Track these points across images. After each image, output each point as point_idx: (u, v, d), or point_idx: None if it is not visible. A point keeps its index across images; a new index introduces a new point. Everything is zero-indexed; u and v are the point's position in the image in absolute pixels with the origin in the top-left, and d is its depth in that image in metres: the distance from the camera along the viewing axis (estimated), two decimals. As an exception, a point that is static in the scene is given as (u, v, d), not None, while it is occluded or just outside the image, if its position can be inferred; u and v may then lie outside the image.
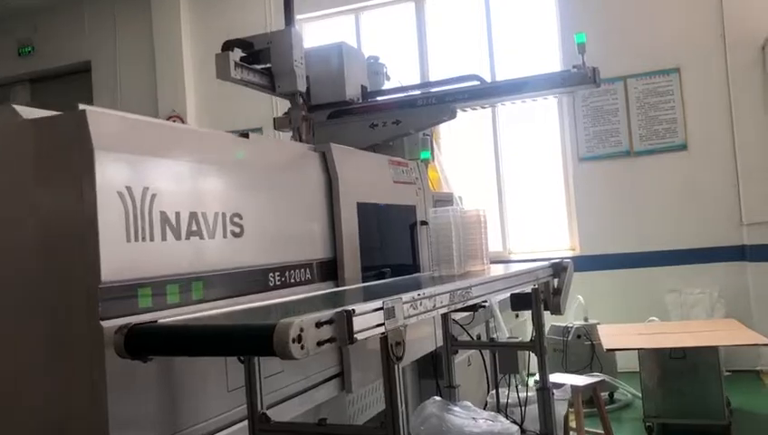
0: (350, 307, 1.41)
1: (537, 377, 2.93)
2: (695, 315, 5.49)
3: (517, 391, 3.05)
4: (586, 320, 5.21)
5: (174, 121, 7.44)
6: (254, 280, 2.06)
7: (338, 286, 2.51)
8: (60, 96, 8.29)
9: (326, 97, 3.56)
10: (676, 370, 4.02)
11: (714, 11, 5.77)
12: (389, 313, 1.58)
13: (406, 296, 1.68)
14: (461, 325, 3.55)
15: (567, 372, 4.99)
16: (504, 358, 3.01)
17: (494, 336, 4.58)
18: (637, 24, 5.99)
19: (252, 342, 1.34)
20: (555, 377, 3.65)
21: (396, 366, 1.61)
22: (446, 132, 6.70)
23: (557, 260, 3.01)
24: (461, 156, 6.74)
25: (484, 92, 3.39)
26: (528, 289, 2.93)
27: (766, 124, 5.56)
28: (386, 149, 3.67)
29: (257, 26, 7.29)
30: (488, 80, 3.47)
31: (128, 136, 1.65)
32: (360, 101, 3.63)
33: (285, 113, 3.78)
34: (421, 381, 3.31)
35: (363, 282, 2.57)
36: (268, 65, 3.32)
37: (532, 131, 6.50)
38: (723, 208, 5.73)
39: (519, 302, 2.90)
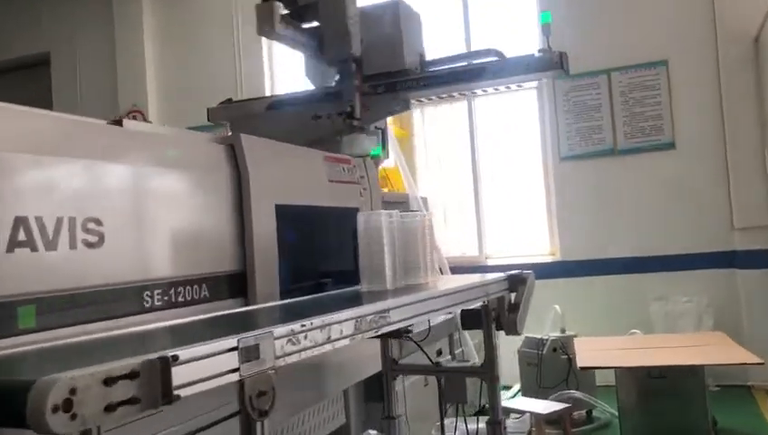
0: (169, 353, 1.01)
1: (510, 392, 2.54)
2: (681, 326, 5.11)
3: (465, 423, 2.66)
4: (563, 332, 4.82)
5: (134, 117, 7.04)
6: (117, 301, 1.66)
7: (248, 304, 2.12)
8: (20, 89, 7.88)
9: (380, 65, 3.09)
10: (656, 390, 3.64)
11: (704, 0, 5.39)
12: (248, 353, 1.18)
13: (281, 329, 1.29)
14: (414, 341, 3.16)
15: (541, 387, 4.61)
16: (451, 385, 2.62)
17: (460, 351, 4.20)
18: (622, 13, 5.60)
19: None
20: (517, 402, 3.25)
21: (260, 425, 1.21)
22: (420, 129, 6.32)
23: (515, 272, 2.61)
24: (436, 155, 6.35)
25: (439, 80, 2.99)
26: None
27: (759, 122, 5.18)
28: (333, 144, 3.28)
29: (223, 20, 6.91)
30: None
31: None
32: (419, 70, 3.13)
33: (222, 103, 3.40)
34: (368, 405, 2.93)
35: (287, 298, 2.18)
36: (314, 23, 2.87)
37: (511, 129, 6.11)
38: (712, 212, 5.35)
39: (469, 319, 2.51)
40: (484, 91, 6.03)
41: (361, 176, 2.97)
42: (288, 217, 2.36)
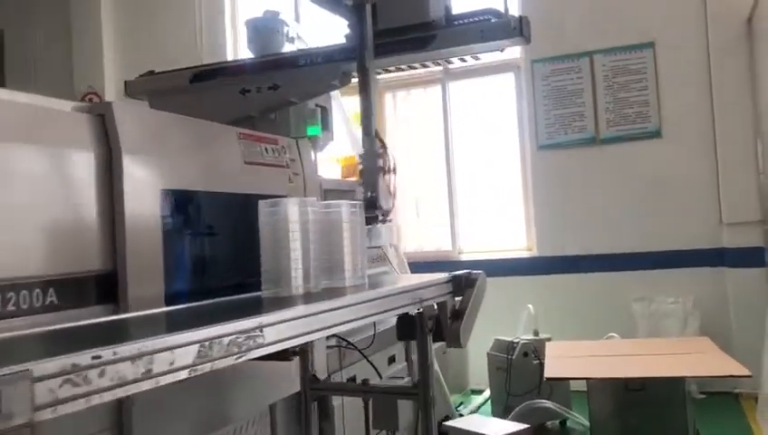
0: None
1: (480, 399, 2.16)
2: (665, 328, 4.73)
3: (398, 454, 2.27)
4: (536, 334, 4.44)
5: (90, 100, 6.62)
6: None
7: (117, 311, 1.72)
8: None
9: (398, 17, 2.62)
10: (633, 402, 3.26)
11: (694, -22, 4.99)
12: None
13: (50, 365, 0.89)
14: (357, 349, 2.78)
15: (510, 395, 4.23)
16: (381, 408, 2.22)
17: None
18: (606, -9, 5.19)
19: None
20: (470, 422, 2.87)
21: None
22: (392, 114, 5.91)
23: (460, 272, 2.22)
24: (408, 143, 5.95)
25: (384, 49, 2.58)
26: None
27: (751, 109, 4.79)
28: (267, 124, 2.88)
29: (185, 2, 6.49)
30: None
31: None
32: (445, 25, 2.65)
33: (142, 75, 3.00)
34: (291, 429, 2.53)
35: (177, 304, 1.77)
36: None
37: (487, 116, 5.71)
38: (700, 206, 4.97)
39: (405, 328, 2.10)
40: (455, 71, 5.64)
41: (292, 159, 2.57)
42: (182, 205, 1.95)
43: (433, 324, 2.04)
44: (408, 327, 2.08)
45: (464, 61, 2.75)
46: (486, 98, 5.70)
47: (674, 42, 5.05)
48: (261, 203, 1.82)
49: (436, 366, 3.81)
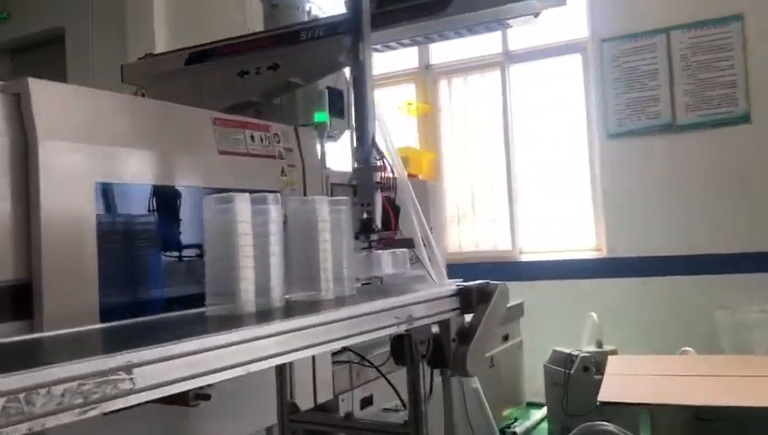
0: None
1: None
2: (754, 342, 4.11)
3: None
4: (599, 346, 3.94)
5: (143, 94, 6.53)
6: None
7: (33, 330, 1.43)
8: (37, 65, 7.53)
9: None
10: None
11: (791, -61, 4.34)
12: None
13: None
14: (372, 365, 2.42)
15: (568, 415, 3.76)
16: (370, 446, 1.85)
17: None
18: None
19: None
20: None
21: None
22: (447, 103, 5.50)
23: (474, 284, 1.82)
24: (464, 134, 5.52)
25: (392, 18, 2.20)
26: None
27: None
28: (272, 110, 2.57)
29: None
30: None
31: None
32: None
33: (141, 58, 2.74)
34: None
35: (121, 319, 1.47)
36: None
37: (551, 102, 5.20)
38: (797, 200, 4.32)
39: (398, 352, 1.72)
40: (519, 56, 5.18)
41: (287, 148, 2.23)
42: (126, 202, 1.65)
43: (428, 348, 1.65)
44: (401, 351, 1.70)
45: (491, 29, 2.32)
46: (550, 82, 5.19)
47: (765, 13, 4.41)
48: (205, 199, 1.48)
49: (477, 384, 3.41)
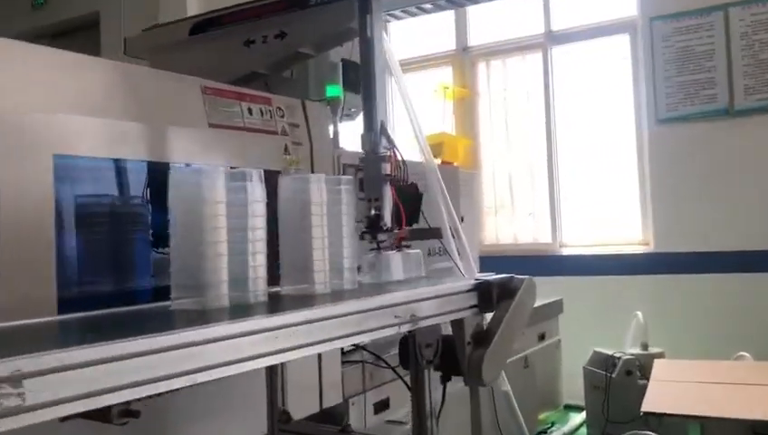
0: None
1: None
2: (817, 347, 3.76)
3: None
4: (645, 348, 3.64)
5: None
6: None
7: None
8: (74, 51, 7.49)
9: None
10: (764, 452, 2.45)
11: None
12: None
13: None
14: (388, 365, 2.20)
15: (609, 422, 3.47)
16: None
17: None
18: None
19: None
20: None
21: None
22: (485, 87, 5.23)
23: (496, 278, 1.58)
24: (504, 119, 5.23)
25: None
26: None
27: None
28: (283, 84, 2.36)
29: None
30: None
31: None
32: None
33: (146, 29, 2.56)
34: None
35: (84, 310, 1.27)
36: None
37: (597, 86, 4.87)
38: None
39: (405, 352, 1.49)
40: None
41: (293, 124, 2.01)
42: (91, 179, 1.45)
43: (436, 352, 1.41)
44: (407, 355, 1.46)
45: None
46: (595, 65, 4.86)
47: (837, -13, 4.02)
48: (172, 173, 1.27)
49: (507, 387, 3.15)
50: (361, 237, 1.87)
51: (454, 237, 3.09)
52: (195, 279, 1.23)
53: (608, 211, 4.85)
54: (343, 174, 2.17)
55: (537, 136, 5.05)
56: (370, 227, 1.78)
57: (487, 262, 4.24)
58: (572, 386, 4.11)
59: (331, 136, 2.32)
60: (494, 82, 5.24)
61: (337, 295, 1.40)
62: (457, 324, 1.47)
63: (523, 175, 5.17)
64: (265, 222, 1.32)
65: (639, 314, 3.81)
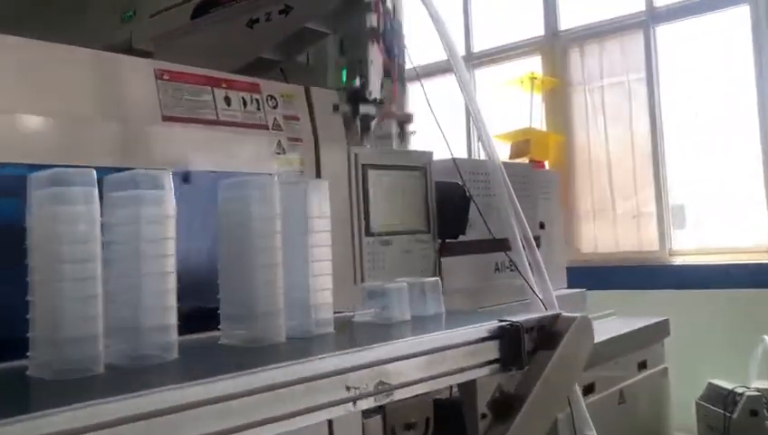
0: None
1: None
2: None
3: None
4: (774, 382, 2.99)
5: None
6: None
7: None
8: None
9: None
10: None
11: None
12: None
13: None
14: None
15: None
16: None
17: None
18: None
19: None
20: None
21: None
22: (579, 75, 4.66)
23: (534, 317, 1.11)
24: (600, 110, 4.63)
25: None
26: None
27: None
28: (298, 71, 1.99)
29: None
30: None
31: None
32: None
33: (153, 15, 2.28)
34: None
35: None
36: None
37: (710, 68, 4.19)
38: None
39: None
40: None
41: (290, 117, 1.61)
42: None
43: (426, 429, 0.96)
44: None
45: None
46: (708, 44, 4.18)
47: None
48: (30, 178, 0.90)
49: (593, 432, 2.60)
50: (335, 109, 1.55)
51: (524, 249, 2.60)
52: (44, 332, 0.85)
53: (727, 213, 4.14)
54: (364, 178, 1.75)
55: (640, 129, 4.42)
56: (352, 99, 1.42)
57: (582, 274, 3.68)
58: (683, 420, 3.47)
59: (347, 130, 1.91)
60: (589, 69, 4.64)
61: (269, 352, 0.98)
62: (467, 389, 1.02)
63: (625, 173, 4.53)
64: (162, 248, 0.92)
65: (767, 338, 3.14)
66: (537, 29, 4.82)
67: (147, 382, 0.78)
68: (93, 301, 0.85)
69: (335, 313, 1.36)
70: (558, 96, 4.71)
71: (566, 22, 4.71)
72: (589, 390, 2.65)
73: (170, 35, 2.10)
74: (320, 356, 0.85)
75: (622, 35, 4.49)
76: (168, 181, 0.92)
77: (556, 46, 4.74)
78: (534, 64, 4.81)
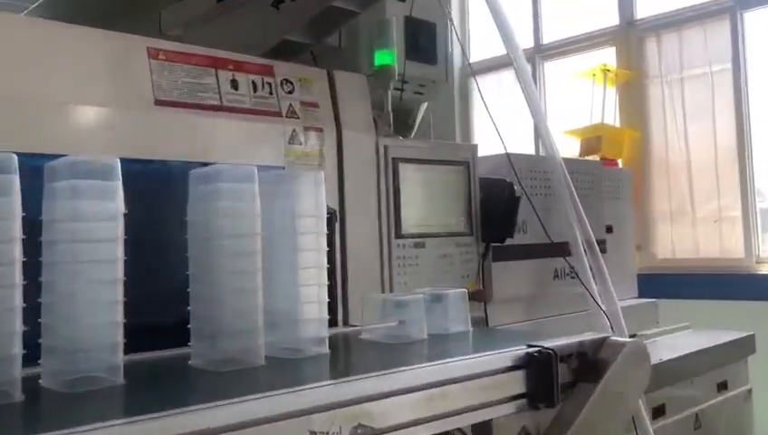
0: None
1: None
2: None
3: None
4: None
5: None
6: None
7: None
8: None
9: None
10: None
11: None
12: None
13: None
14: None
15: None
16: None
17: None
18: None
19: None
20: None
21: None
22: (656, 68, 4.34)
23: (573, 341, 0.90)
24: (680, 105, 4.29)
25: None
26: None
27: None
28: (330, 55, 1.83)
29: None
30: None
31: None
32: None
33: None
34: None
35: None
36: None
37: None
38: None
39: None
40: None
41: (308, 103, 1.45)
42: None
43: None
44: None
45: None
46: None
47: None
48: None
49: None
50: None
51: (586, 254, 2.36)
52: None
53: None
54: (395, 173, 1.56)
55: (725, 124, 4.05)
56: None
57: (656, 282, 3.39)
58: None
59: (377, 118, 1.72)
60: (668, 60, 4.30)
61: (234, 380, 0.81)
62: (481, 433, 0.82)
63: (708, 172, 4.17)
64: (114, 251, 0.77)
65: None
66: (611, 18, 4.51)
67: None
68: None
69: (351, 326, 1.19)
70: (633, 90, 4.39)
71: (642, 10, 4.39)
72: (659, 412, 2.38)
73: (198, 20, 1.98)
74: (276, 392, 0.67)
75: (704, 23, 4.13)
76: (111, 170, 0.77)
77: (631, 36, 4.42)
78: (608, 56, 4.51)
